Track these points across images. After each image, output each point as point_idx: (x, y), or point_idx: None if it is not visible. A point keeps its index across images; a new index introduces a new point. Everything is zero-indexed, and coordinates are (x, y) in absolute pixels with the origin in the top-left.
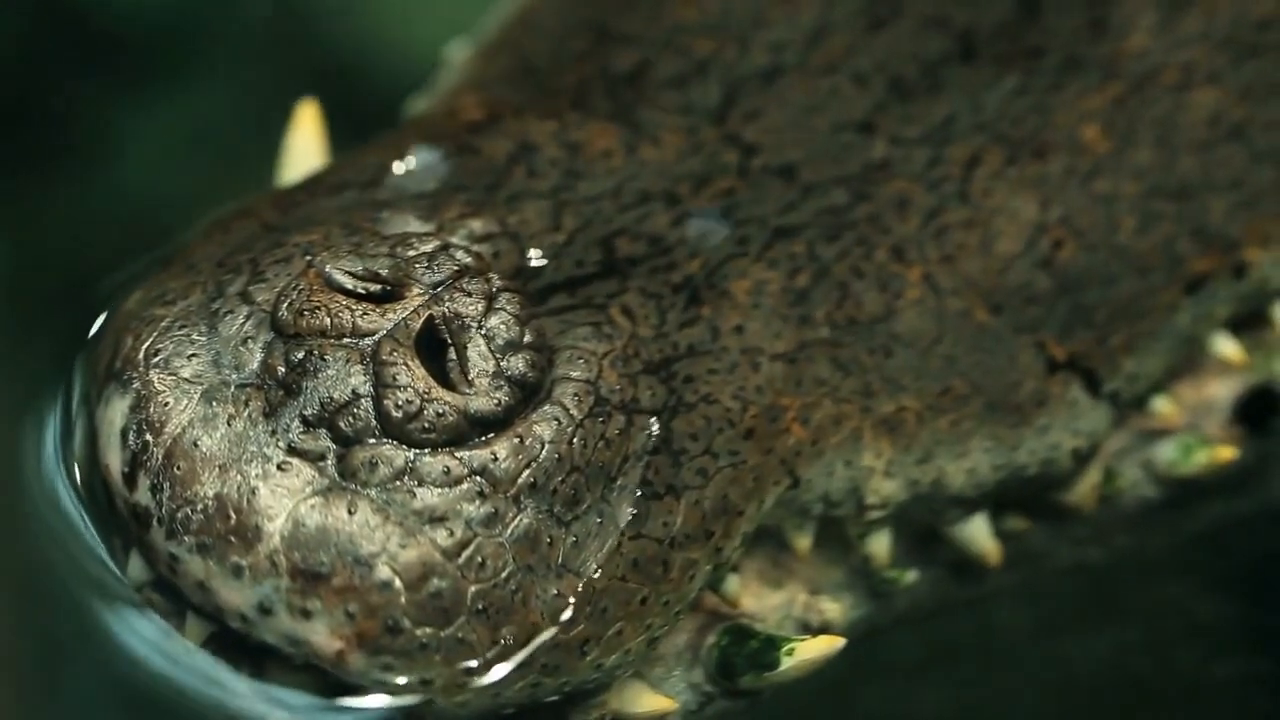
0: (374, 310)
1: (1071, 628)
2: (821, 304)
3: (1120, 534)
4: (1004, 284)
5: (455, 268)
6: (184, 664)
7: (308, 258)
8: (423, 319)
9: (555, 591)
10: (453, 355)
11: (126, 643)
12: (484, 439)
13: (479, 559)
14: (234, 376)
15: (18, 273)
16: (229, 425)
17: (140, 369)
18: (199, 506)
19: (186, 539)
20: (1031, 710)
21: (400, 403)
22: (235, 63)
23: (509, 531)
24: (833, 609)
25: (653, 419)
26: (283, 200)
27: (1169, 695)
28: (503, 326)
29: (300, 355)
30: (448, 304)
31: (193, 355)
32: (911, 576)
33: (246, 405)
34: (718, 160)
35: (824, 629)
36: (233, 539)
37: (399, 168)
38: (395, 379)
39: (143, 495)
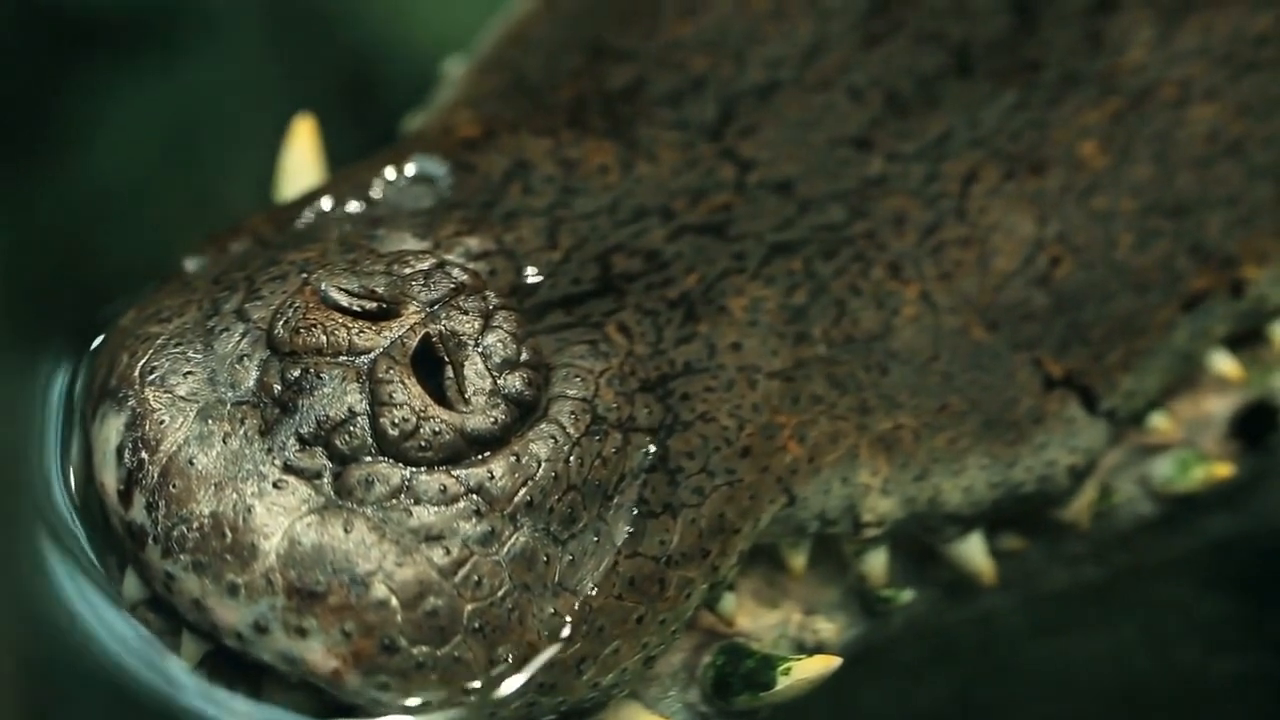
0: (370, 328)
1: (1071, 627)
2: (818, 321)
3: (1116, 551)
4: (1001, 301)
5: (452, 285)
6: (180, 683)
7: (304, 275)
8: (419, 337)
9: (552, 610)
10: (449, 373)
11: (122, 661)
12: (481, 457)
13: (475, 577)
14: (230, 394)
15: (16, 277)
16: (225, 443)
17: (136, 386)
18: (195, 524)
19: (182, 557)
20: (1031, 710)
21: (396, 421)
22: (231, 54)
23: (505, 550)
24: (828, 628)
25: (649, 437)
26: (279, 217)
27: (1168, 694)
28: (499, 344)
29: (296, 373)
30: (444, 322)
31: (188, 373)
32: (908, 595)
33: (242, 423)
34: (714, 176)
35: (819, 648)
36: (228, 557)
37: (395, 185)
38: (391, 397)
39: (138, 513)
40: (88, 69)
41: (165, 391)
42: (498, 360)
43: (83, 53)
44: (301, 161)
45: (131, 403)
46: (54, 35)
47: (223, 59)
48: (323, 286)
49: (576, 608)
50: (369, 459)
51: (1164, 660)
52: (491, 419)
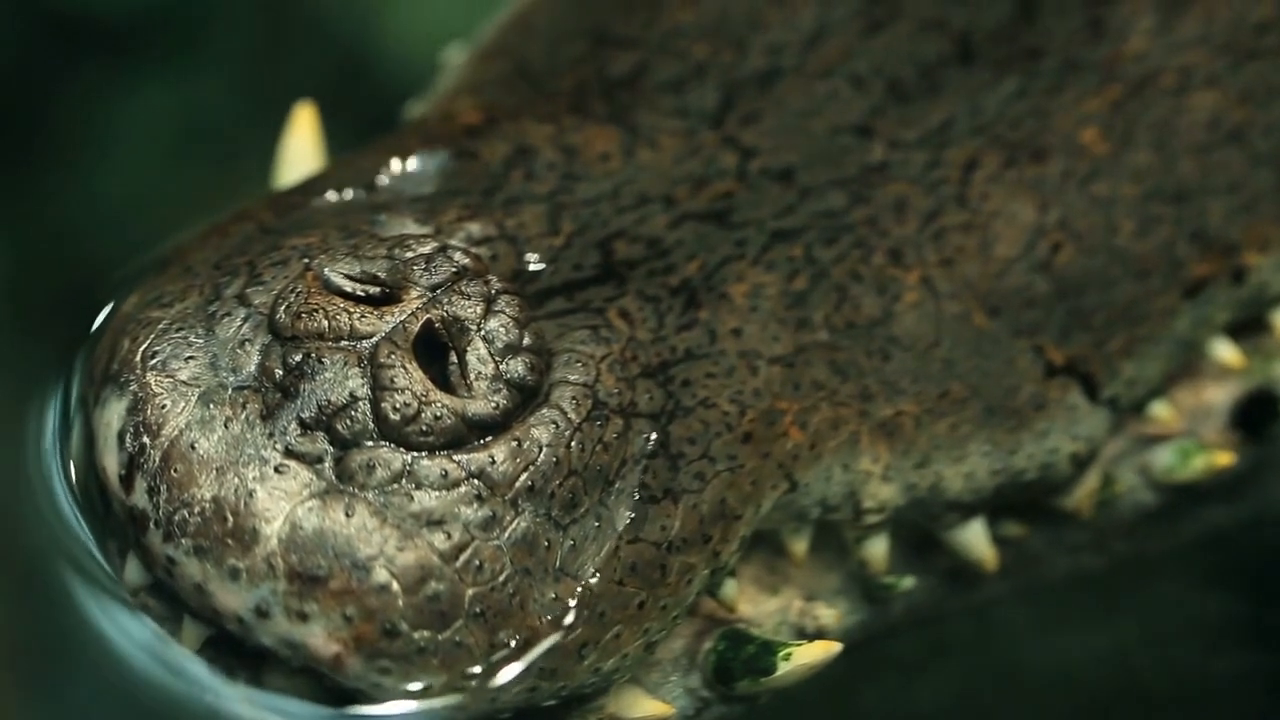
0: (372, 313)
1: (1071, 625)
2: (819, 307)
3: (1118, 540)
4: (1002, 287)
5: (453, 270)
6: (181, 670)
7: (305, 260)
8: (421, 321)
9: (553, 595)
10: (452, 358)
11: (123, 648)
12: (482, 442)
13: (477, 562)
14: (231, 379)
15: (17, 272)
16: (226, 428)
17: (137, 371)
18: (196, 509)
19: (183, 541)
20: (1031, 707)
21: (398, 405)
22: (231, 55)
23: (507, 534)
24: (829, 614)
25: (650, 423)
26: (280, 203)
27: (1168, 692)
28: (501, 329)
29: (298, 358)
30: (446, 306)
31: (190, 358)
32: (908, 582)
33: (244, 408)
34: (716, 163)
35: (820, 634)
36: (230, 541)
37: (396, 171)
38: (393, 381)
39: (139, 498)
40: (89, 73)
41: (167, 376)
42: (500, 345)
43: (84, 57)
44: (302, 148)
45: (133, 387)
46: (55, 40)
47: (222, 55)
48: (324, 271)
49: (578, 593)
50: (370, 444)
51: (1164, 657)
52: (493, 404)
